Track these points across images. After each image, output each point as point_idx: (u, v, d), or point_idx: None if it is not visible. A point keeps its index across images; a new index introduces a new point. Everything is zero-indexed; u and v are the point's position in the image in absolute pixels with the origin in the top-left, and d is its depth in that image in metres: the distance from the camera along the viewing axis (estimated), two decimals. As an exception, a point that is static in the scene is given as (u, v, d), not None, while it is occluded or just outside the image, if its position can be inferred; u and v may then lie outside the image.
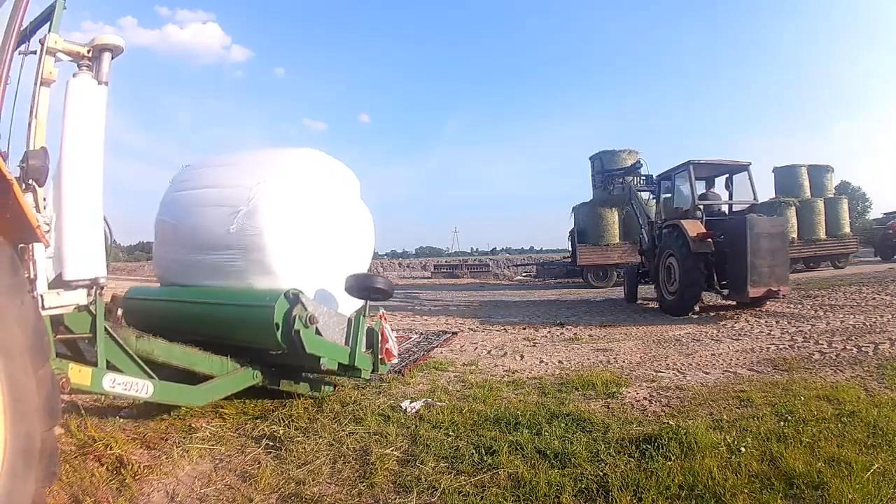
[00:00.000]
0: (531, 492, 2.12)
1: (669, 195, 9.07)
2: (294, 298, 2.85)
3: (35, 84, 2.03)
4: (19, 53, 2.02)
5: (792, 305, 7.40)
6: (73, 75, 2.23)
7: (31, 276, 1.87)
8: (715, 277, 7.30)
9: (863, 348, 4.51)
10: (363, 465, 2.45)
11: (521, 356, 5.03)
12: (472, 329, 7.06)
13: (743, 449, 2.42)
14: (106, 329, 2.38)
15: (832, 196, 15.94)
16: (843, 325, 5.71)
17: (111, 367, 2.40)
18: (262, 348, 3.09)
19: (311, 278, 3.16)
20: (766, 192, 15.17)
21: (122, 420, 3.05)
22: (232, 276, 3.13)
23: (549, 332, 6.58)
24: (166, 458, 2.52)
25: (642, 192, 10.89)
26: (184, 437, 2.79)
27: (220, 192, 3.26)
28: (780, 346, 4.90)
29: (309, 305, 2.90)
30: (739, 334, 5.70)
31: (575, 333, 6.29)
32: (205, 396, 2.86)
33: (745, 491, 2.03)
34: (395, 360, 3.73)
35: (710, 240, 7.19)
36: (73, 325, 2.30)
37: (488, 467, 2.36)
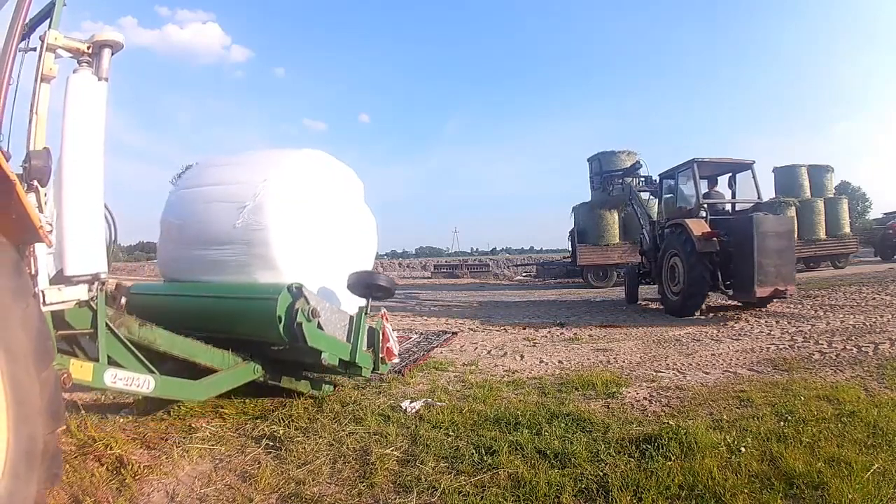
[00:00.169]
0: (531, 492, 2.12)
1: (672, 194, 8.93)
2: (297, 292, 2.87)
3: (35, 81, 2.03)
4: (19, 51, 2.02)
5: (792, 305, 7.40)
6: (74, 71, 2.23)
7: (33, 272, 1.88)
8: (720, 277, 7.16)
9: (863, 348, 4.51)
10: (363, 465, 2.45)
11: (521, 356, 5.03)
12: (472, 329, 7.06)
13: (743, 449, 2.42)
14: (107, 324, 2.38)
15: (832, 196, 15.96)
16: (843, 325, 5.71)
17: (112, 362, 2.41)
18: (264, 342, 3.10)
19: (313, 275, 3.17)
20: (766, 192, 15.16)
21: (122, 420, 3.05)
22: (236, 271, 3.16)
23: (549, 332, 6.58)
24: (166, 458, 2.52)
25: (642, 193, 10.84)
26: (184, 437, 2.79)
27: (226, 188, 3.31)
28: (780, 346, 4.90)
29: (311, 299, 2.92)
30: (739, 334, 5.70)
31: (575, 333, 6.28)
32: (206, 391, 2.85)
33: (745, 491, 2.03)
34: (395, 360, 3.73)
35: (715, 239, 7.05)
36: (74, 321, 2.31)
37: (488, 467, 2.36)
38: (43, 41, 2.07)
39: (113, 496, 2.14)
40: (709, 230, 7.16)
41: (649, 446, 2.48)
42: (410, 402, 3.37)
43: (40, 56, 2.06)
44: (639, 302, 9.46)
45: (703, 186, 8.11)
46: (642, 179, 10.95)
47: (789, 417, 2.83)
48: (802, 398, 3.14)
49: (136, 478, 2.29)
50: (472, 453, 2.51)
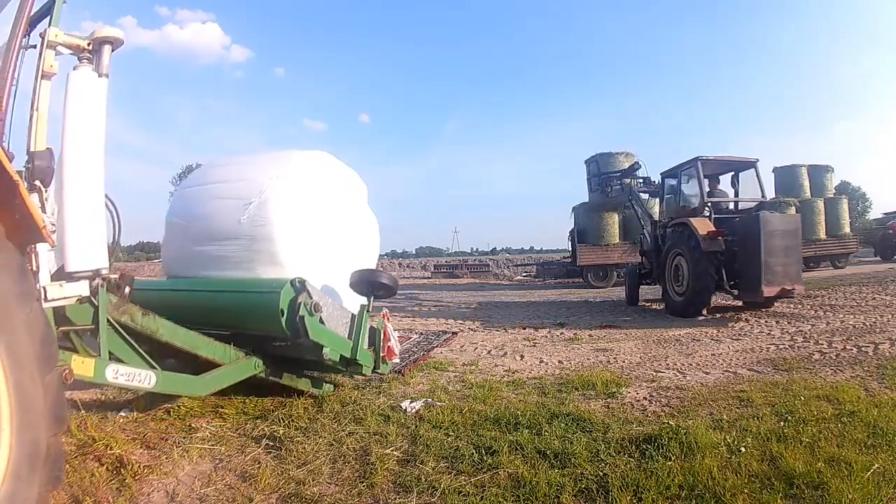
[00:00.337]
0: (531, 492, 2.12)
1: (675, 193, 8.76)
2: (300, 286, 2.89)
3: (36, 78, 2.04)
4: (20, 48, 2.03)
5: (792, 305, 7.39)
6: (74, 68, 2.24)
7: (34, 269, 1.88)
8: (724, 277, 7.03)
9: (863, 348, 4.51)
10: (363, 465, 2.45)
11: (521, 356, 5.03)
12: (472, 329, 7.06)
13: (743, 449, 2.42)
14: (108, 320, 2.39)
15: (832, 196, 15.96)
16: (843, 325, 5.71)
17: (114, 358, 2.41)
18: (266, 337, 3.11)
19: (316, 272, 3.19)
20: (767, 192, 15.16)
21: (122, 420, 3.04)
22: (240, 266, 3.19)
23: (549, 332, 6.58)
24: (166, 458, 2.52)
25: (641, 194, 10.83)
26: (184, 437, 2.79)
27: (232, 186, 3.37)
28: (780, 346, 4.90)
29: (314, 294, 2.93)
30: (739, 334, 5.70)
31: (575, 333, 6.28)
32: (207, 386, 2.85)
33: (745, 491, 2.03)
34: (396, 360, 3.74)
35: (720, 238, 6.94)
36: (76, 317, 2.31)
37: (488, 467, 2.36)
38: (43, 38, 2.08)
39: (113, 496, 2.14)
40: (714, 229, 7.05)
41: (649, 446, 2.48)
42: (410, 402, 3.37)
43: (40, 53, 2.06)
44: (640, 303, 9.37)
45: (705, 185, 7.94)
46: (640, 181, 10.91)
47: (789, 417, 2.83)
48: (802, 398, 3.14)
49: (136, 478, 2.29)
50: (472, 453, 2.50)
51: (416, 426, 2.93)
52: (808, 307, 7.18)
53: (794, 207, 14.56)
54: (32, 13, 2.04)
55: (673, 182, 8.80)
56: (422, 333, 6.61)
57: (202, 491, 2.24)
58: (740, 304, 7.67)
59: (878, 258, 17.37)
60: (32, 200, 1.75)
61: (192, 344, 2.85)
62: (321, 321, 2.95)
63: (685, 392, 3.53)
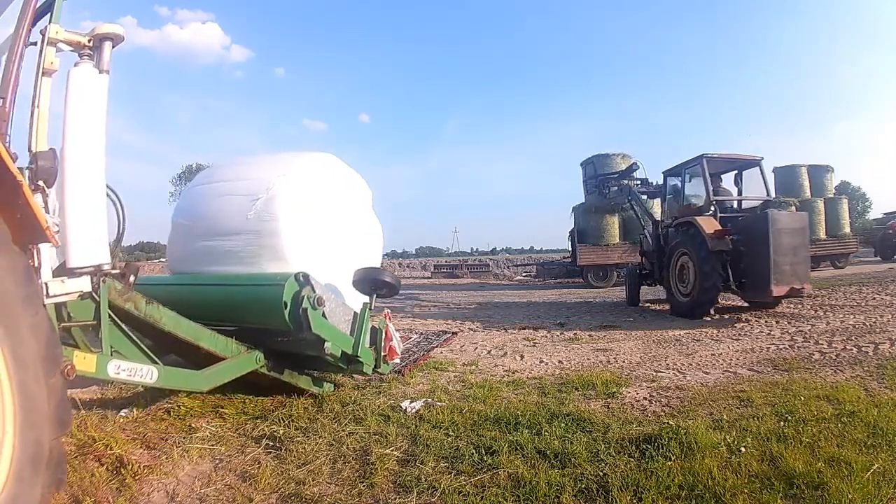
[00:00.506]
0: (531, 492, 2.12)
1: (678, 192, 8.53)
2: (304, 280, 2.92)
3: (37, 75, 2.04)
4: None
5: (792, 305, 7.38)
6: (75, 65, 2.25)
7: (36, 265, 1.89)
8: (731, 277, 6.87)
9: (863, 348, 4.51)
10: (363, 465, 2.45)
11: (521, 356, 5.03)
12: (472, 329, 7.06)
13: (743, 449, 2.42)
14: (110, 316, 2.39)
15: (832, 196, 15.97)
16: (843, 325, 5.71)
17: (115, 353, 2.41)
18: (269, 332, 3.12)
19: (320, 269, 3.21)
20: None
21: (122, 420, 3.05)
22: (245, 261, 3.26)
23: (549, 332, 6.58)
24: (166, 458, 2.52)
25: (640, 194, 10.77)
26: (184, 437, 2.79)
27: (240, 184, 3.46)
28: (780, 346, 4.90)
29: (317, 288, 2.96)
30: (739, 334, 5.70)
31: (575, 333, 6.28)
32: (208, 381, 2.85)
33: (745, 491, 2.03)
34: (397, 360, 3.74)
35: (727, 237, 6.83)
36: (77, 313, 2.31)
37: (488, 467, 2.36)
38: (44, 35, 2.08)
39: (113, 496, 2.14)
40: (720, 228, 6.93)
41: (649, 446, 2.48)
42: (410, 402, 3.37)
43: (41, 50, 2.07)
44: (640, 304, 9.26)
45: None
46: (638, 182, 10.83)
47: (789, 417, 2.83)
48: (802, 398, 3.14)
49: (136, 478, 2.29)
50: (472, 453, 2.50)
51: (416, 426, 2.93)
52: (808, 307, 7.18)
53: (794, 207, 14.55)
54: (30, 8, 2.04)
55: (676, 181, 8.64)
56: (422, 333, 6.61)
57: (202, 491, 2.24)
58: (741, 304, 7.64)
59: (878, 258, 17.37)
60: (36, 201, 1.75)
61: (195, 335, 2.85)
62: (323, 315, 2.97)
63: (685, 392, 3.53)
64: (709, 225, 6.99)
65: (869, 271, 12.56)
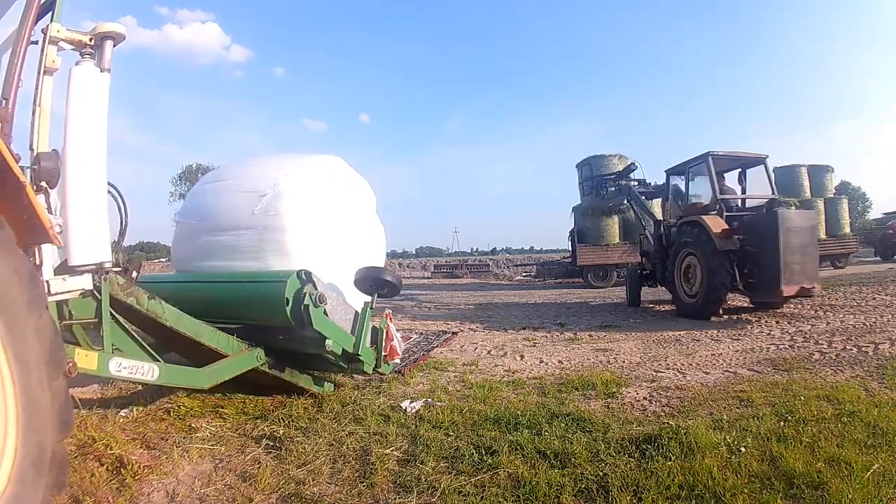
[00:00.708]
0: (531, 492, 2.12)
1: (682, 191, 8.37)
2: (306, 278, 2.95)
3: (38, 74, 2.05)
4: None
5: (792, 305, 7.38)
6: (76, 63, 2.25)
7: (38, 262, 1.89)
8: (737, 277, 6.76)
9: (863, 348, 4.51)
10: (363, 465, 2.45)
11: (521, 356, 5.03)
12: (472, 329, 7.06)
13: (743, 449, 2.42)
14: (111, 313, 2.40)
15: (832, 196, 16.00)
16: (843, 325, 5.71)
17: (117, 351, 2.42)
18: (271, 329, 3.14)
19: (323, 267, 3.24)
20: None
21: (122, 420, 3.04)
22: (249, 256, 3.31)
23: (549, 332, 6.58)
24: (166, 458, 2.52)
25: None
26: (184, 437, 2.80)
27: (247, 181, 3.54)
28: (780, 346, 4.90)
29: (319, 286, 2.98)
30: (739, 334, 5.70)
31: (575, 333, 6.28)
32: (209, 378, 2.85)
33: (745, 491, 2.03)
34: (398, 360, 3.75)
35: (735, 236, 6.71)
36: (79, 311, 2.32)
37: (488, 467, 2.36)
38: (45, 34, 2.09)
39: (113, 496, 2.14)
40: (727, 227, 6.82)
41: (649, 446, 2.48)
42: (410, 402, 3.37)
43: (42, 49, 2.07)
44: (641, 305, 9.09)
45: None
46: (636, 182, 10.74)
47: (789, 417, 2.83)
48: (802, 398, 3.14)
49: (136, 478, 2.29)
50: (472, 453, 2.50)
51: (416, 426, 2.93)
52: (808, 307, 7.17)
53: (793, 207, 14.57)
54: (33, 9, 2.05)
55: (679, 179, 8.51)
56: (422, 333, 6.61)
57: (202, 491, 2.24)
58: (741, 304, 7.62)
59: (878, 258, 17.38)
60: (39, 202, 1.76)
61: (196, 331, 2.86)
62: (325, 313, 2.98)
63: (685, 392, 3.53)
64: (716, 224, 6.85)
65: (869, 271, 12.57)
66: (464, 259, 42.06)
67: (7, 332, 1.44)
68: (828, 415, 2.84)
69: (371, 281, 3.31)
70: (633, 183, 10.81)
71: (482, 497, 2.11)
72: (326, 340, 2.97)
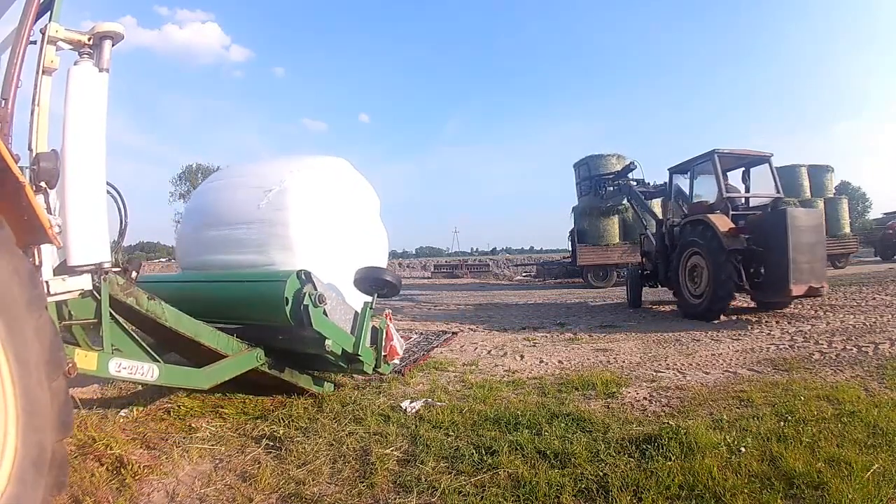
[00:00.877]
0: (531, 492, 2.12)
1: (686, 189, 8.19)
2: (305, 278, 2.96)
3: (37, 73, 2.05)
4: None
5: (792, 305, 7.37)
6: (75, 63, 2.25)
7: (37, 262, 1.89)
8: (744, 277, 6.61)
9: (863, 348, 4.51)
10: (363, 465, 2.45)
11: (521, 356, 5.03)
12: (472, 329, 7.06)
13: (743, 449, 2.42)
14: (111, 314, 2.40)
15: (832, 196, 16.00)
16: (843, 325, 5.71)
17: (116, 351, 2.41)
18: (270, 329, 3.14)
19: (324, 265, 3.27)
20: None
21: (122, 420, 3.04)
22: (253, 250, 3.35)
23: (549, 332, 6.58)
24: (166, 458, 2.52)
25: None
26: (184, 437, 2.79)
27: (253, 178, 3.61)
28: (780, 346, 4.90)
29: (319, 286, 2.99)
30: (739, 334, 5.70)
31: (575, 333, 6.28)
32: (209, 379, 2.86)
33: (745, 491, 2.03)
34: (398, 360, 3.75)
35: (742, 235, 6.58)
36: (78, 311, 2.31)
37: (488, 467, 2.36)
38: (44, 34, 2.09)
39: (113, 496, 2.14)
40: (734, 226, 6.72)
41: (649, 446, 2.48)
42: (410, 402, 3.37)
43: (41, 49, 2.07)
44: (642, 305, 8.96)
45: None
46: (635, 182, 10.61)
47: (789, 417, 2.83)
48: (802, 398, 3.14)
49: (136, 478, 2.29)
50: (472, 453, 2.50)
51: (416, 426, 2.93)
52: (808, 307, 7.17)
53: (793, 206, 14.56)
54: (32, 9, 2.05)
55: (683, 178, 8.34)
56: (422, 333, 6.61)
57: (202, 491, 2.24)
58: (745, 304, 7.55)
59: (878, 258, 17.38)
60: (38, 202, 1.76)
61: (196, 331, 2.86)
62: (324, 313, 2.99)
63: (685, 392, 3.53)
64: (722, 223, 6.74)
65: (869, 271, 12.57)
66: (464, 259, 42.08)
67: (7, 333, 1.44)
68: (828, 415, 2.84)
69: (371, 281, 3.32)
70: (632, 182, 10.75)
71: (482, 497, 2.11)
72: (326, 340, 2.98)
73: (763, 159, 7.62)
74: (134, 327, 2.67)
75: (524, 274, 24.18)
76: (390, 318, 3.55)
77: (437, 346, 5.61)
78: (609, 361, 4.67)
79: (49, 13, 2.14)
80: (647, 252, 9.17)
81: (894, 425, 2.58)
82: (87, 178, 2.20)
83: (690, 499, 2.02)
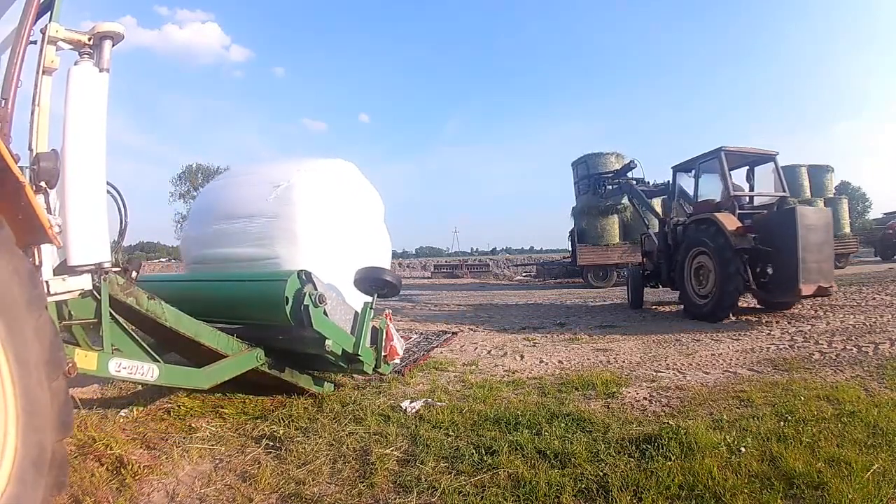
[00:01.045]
0: (531, 492, 2.12)
1: (691, 188, 8.04)
2: (306, 278, 2.96)
3: (37, 73, 2.05)
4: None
5: (792, 305, 7.37)
6: (75, 63, 2.25)
7: (37, 262, 1.89)
8: (750, 277, 6.53)
9: (863, 348, 4.51)
10: (363, 465, 2.45)
11: (521, 356, 5.03)
12: (472, 329, 7.06)
13: (743, 449, 2.42)
14: (111, 314, 2.40)
15: (832, 196, 16.00)
16: (843, 325, 5.71)
17: (116, 351, 2.41)
18: (270, 328, 3.14)
19: (327, 264, 3.30)
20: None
21: (122, 420, 3.04)
22: (257, 243, 3.41)
23: (549, 332, 6.58)
24: (166, 458, 2.52)
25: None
26: (184, 437, 2.79)
27: (262, 176, 3.71)
28: (780, 346, 4.90)
29: (319, 286, 2.99)
30: (739, 334, 5.70)
31: (575, 333, 6.28)
32: (209, 378, 2.86)
33: (745, 491, 2.03)
34: (398, 360, 3.75)
35: (749, 234, 6.48)
36: (78, 311, 2.31)
37: (488, 467, 2.36)
38: (44, 34, 2.09)
39: (113, 496, 2.14)
40: (741, 225, 6.61)
41: (649, 446, 2.48)
42: (410, 402, 3.37)
43: (41, 49, 2.07)
44: (645, 307, 8.84)
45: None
46: (634, 181, 10.52)
47: (789, 417, 2.83)
48: (802, 398, 3.14)
49: (136, 478, 2.29)
50: (472, 453, 2.50)
51: (416, 426, 2.93)
52: (808, 307, 7.16)
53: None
54: (32, 9, 2.05)
55: (687, 176, 8.20)
56: (422, 333, 6.61)
57: (202, 491, 2.24)
58: (745, 304, 7.51)
59: (878, 258, 17.38)
60: (38, 202, 1.76)
61: (196, 331, 2.86)
62: (325, 313, 2.99)
63: (685, 392, 3.53)
64: (730, 222, 6.63)
65: (869, 271, 12.56)
66: (464, 259, 42.09)
67: (7, 333, 1.45)
68: (828, 415, 2.84)
69: (371, 281, 3.32)
70: (632, 181, 10.70)
71: (482, 497, 2.11)
72: (326, 341, 2.98)
73: (768, 158, 7.54)
74: (134, 327, 2.67)
75: (524, 274, 24.18)
76: (390, 319, 3.55)
77: (437, 346, 5.61)
78: (609, 361, 4.67)
79: (49, 13, 2.14)
80: (649, 252, 9.08)
81: (894, 425, 2.58)
82: (87, 178, 2.20)
83: (690, 499, 2.02)
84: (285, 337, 3.14)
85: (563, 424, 2.86)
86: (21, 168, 1.68)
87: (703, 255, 7.05)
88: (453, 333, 6.56)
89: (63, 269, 2.14)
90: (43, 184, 1.96)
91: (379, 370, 3.50)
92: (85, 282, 2.20)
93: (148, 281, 3.42)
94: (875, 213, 29.78)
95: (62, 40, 2.17)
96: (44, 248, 1.96)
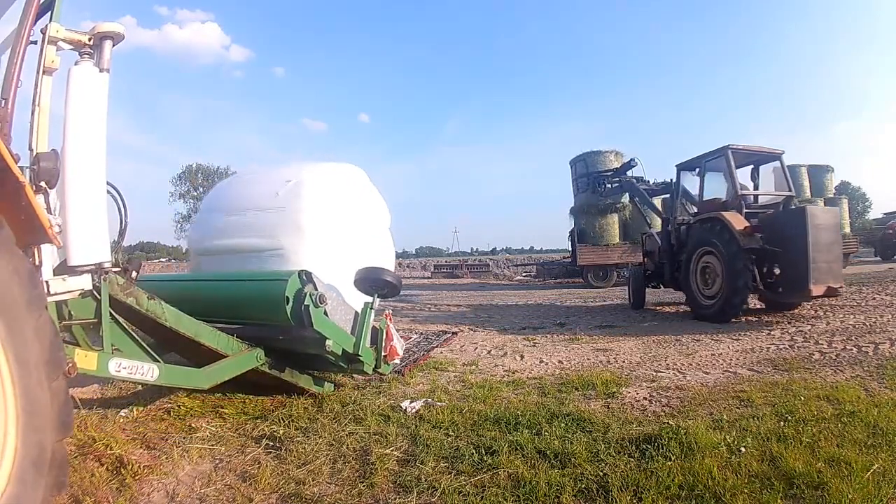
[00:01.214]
0: (531, 492, 2.12)
1: (696, 187, 7.91)
2: (306, 278, 2.98)
3: (37, 73, 2.05)
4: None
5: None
6: (75, 63, 2.25)
7: (37, 262, 1.89)
8: (757, 277, 6.43)
9: (863, 348, 4.51)
10: (363, 465, 2.45)
11: (521, 356, 5.03)
12: (472, 329, 7.06)
13: (743, 449, 2.42)
14: (111, 314, 2.40)
15: (832, 196, 16.02)
16: (843, 325, 5.71)
17: (116, 351, 2.41)
18: (270, 327, 3.15)
19: (329, 261, 3.35)
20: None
21: (122, 420, 3.04)
22: (263, 233, 3.50)
23: (549, 332, 6.58)
24: (166, 458, 2.52)
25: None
26: (184, 437, 2.79)
27: (272, 174, 3.86)
28: (780, 346, 4.90)
29: (320, 286, 3.00)
30: (739, 334, 5.70)
31: (575, 333, 6.28)
32: (209, 378, 2.86)
33: (745, 491, 2.03)
34: (398, 360, 3.75)
35: (757, 234, 6.38)
36: (78, 311, 2.31)
37: (488, 467, 2.36)
38: (44, 34, 2.09)
39: (113, 496, 2.14)
40: (749, 224, 6.52)
41: (649, 446, 2.48)
42: (410, 402, 3.37)
43: (42, 49, 2.07)
44: (647, 308, 8.74)
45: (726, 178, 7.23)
46: (633, 180, 10.48)
47: (789, 417, 2.83)
48: (802, 398, 3.14)
49: (136, 478, 2.29)
50: (472, 453, 2.50)
51: (416, 426, 2.93)
52: (808, 307, 7.16)
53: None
54: (33, 9, 2.05)
55: (691, 175, 8.08)
56: (422, 333, 6.61)
57: (202, 491, 2.24)
58: (753, 305, 7.44)
59: (878, 258, 17.39)
60: (38, 202, 1.76)
61: (196, 331, 2.86)
62: (325, 313, 2.99)
63: (685, 392, 3.53)
64: (737, 221, 6.53)
65: (869, 271, 12.56)
66: (464, 259, 42.08)
67: (7, 333, 1.45)
68: (828, 415, 2.84)
69: (371, 281, 3.32)
70: (632, 180, 10.66)
71: (482, 497, 2.11)
72: (326, 341, 2.99)
73: (774, 157, 7.44)
74: (134, 327, 2.67)
75: (524, 274, 24.18)
76: (390, 319, 3.56)
77: (437, 346, 5.61)
78: (609, 361, 4.67)
79: (49, 13, 2.14)
80: (650, 252, 8.97)
81: (894, 425, 2.58)
82: (87, 178, 2.20)
83: (690, 499, 2.02)
84: (285, 337, 3.14)
85: (563, 424, 2.86)
86: (21, 168, 1.68)
87: (710, 254, 6.95)
88: (453, 333, 6.56)
89: (63, 269, 2.14)
90: (43, 184, 1.96)
91: (379, 370, 3.51)
92: (85, 282, 2.20)
93: (148, 281, 3.42)
94: (875, 213, 29.85)
95: (62, 40, 2.17)
96: (44, 248, 1.96)
